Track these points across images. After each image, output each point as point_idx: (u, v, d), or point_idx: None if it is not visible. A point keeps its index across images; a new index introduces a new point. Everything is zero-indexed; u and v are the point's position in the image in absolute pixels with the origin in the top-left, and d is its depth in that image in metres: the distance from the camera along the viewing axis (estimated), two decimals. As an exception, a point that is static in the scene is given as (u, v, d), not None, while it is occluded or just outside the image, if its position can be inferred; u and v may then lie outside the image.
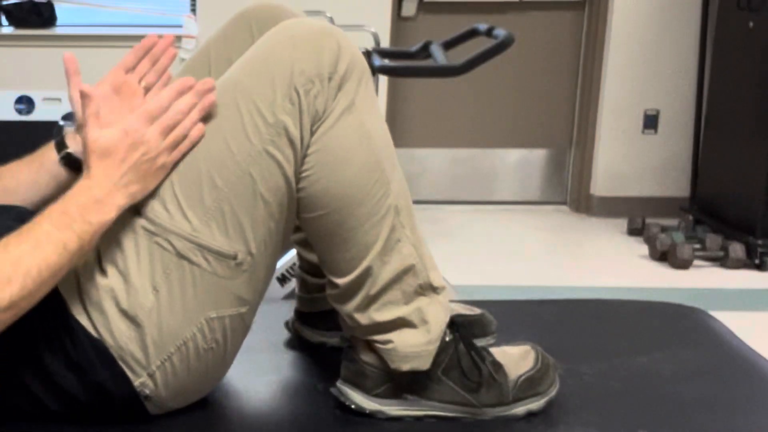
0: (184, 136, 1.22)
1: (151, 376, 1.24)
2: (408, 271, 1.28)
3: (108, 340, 1.23)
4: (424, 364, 1.29)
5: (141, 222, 1.22)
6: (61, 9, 4.45)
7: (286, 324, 1.58)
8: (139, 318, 1.22)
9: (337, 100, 1.23)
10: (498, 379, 1.32)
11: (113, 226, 1.23)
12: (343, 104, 1.24)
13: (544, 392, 1.34)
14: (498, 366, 1.33)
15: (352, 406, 1.32)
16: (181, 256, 1.22)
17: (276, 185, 1.22)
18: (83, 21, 4.54)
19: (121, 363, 1.23)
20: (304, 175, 1.24)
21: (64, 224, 1.15)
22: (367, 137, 1.25)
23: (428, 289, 1.30)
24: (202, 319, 1.24)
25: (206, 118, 1.24)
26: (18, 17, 4.40)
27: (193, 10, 4.35)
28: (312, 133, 1.23)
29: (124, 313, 1.22)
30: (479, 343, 1.38)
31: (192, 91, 1.22)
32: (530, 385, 1.33)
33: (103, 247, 1.24)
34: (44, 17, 4.40)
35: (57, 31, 4.43)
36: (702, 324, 1.69)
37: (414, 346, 1.29)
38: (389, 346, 1.29)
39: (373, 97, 1.29)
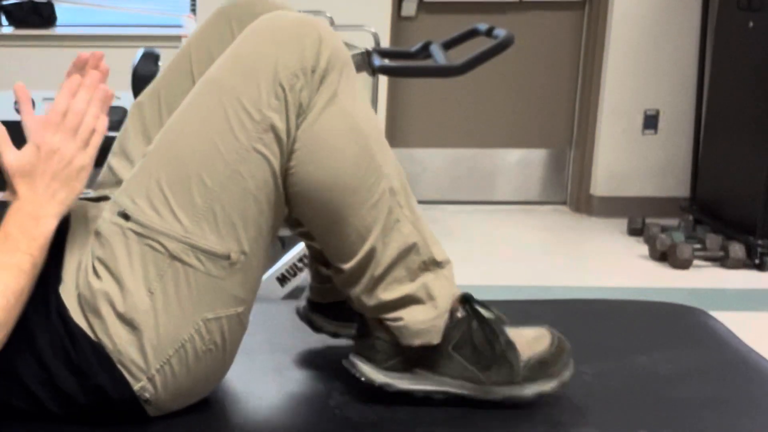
0: (92, 131, 1.24)
1: (150, 380, 1.24)
2: (410, 249, 1.30)
3: (107, 344, 1.22)
4: (435, 339, 1.31)
5: (130, 225, 1.22)
6: (61, 9, 4.45)
7: (297, 311, 1.54)
8: (136, 321, 1.22)
9: (320, 93, 1.24)
10: (509, 358, 1.33)
11: (104, 232, 1.24)
12: (326, 96, 1.24)
13: (556, 375, 1.34)
14: (511, 345, 1.33)
15: (362, 379, 1.33)
16: (174, 257, 1.22)
17: (264, 181, 1.23)
18: (83, 21, 4.54)
19: (120, 367, 1.23)
20: (293, 171, 1.24)
21: (11, 248, 1.18)
22: (353, 125, 1.26)
23: (432, 264, 1.31)
24: (199, 320, 1.24)
25: (192, 119, 1.24)
26: (18, 17, 4.39)
27: (193, 10, 4.35)
28: (297, 127, 1.23)
29: (121, 317, 1.22)
30: None
31: (83, 88, 1.25)
32: (542, 366, 1.34)
33: (96, 252, 1.24)
34: (44, 17, 4.40)
35: (57, 31, 4.43)
36: (702, 324, 1.69)
37: (423, 322, 1.30)
38: (400, 323, 1.31)
39: (355, 85, 1.29)
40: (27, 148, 1.23)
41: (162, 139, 1.26)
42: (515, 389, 1.33)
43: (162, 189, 1.22)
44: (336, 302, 1.48)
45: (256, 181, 1.22)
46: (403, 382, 1.33)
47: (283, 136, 1.22)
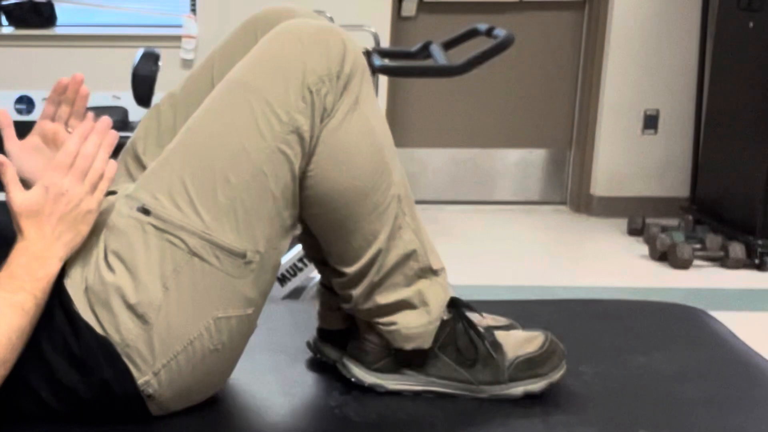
0: (101, 176, 1.26)
1: (156, 374, 1.25)
2: (410, 256, 1.32)
3: (114, 336, 1.23)
4: (426, 344, 1.34)
5: (149, 220, 1.23)
6: (61, 9, 4.44)
7: (308, 344, 1.50)
8: (148, 315, 1.22)
9: (343, 98, 1.26)
10: (495, 358, 1.35)
11: (120, 226, 1.24)
12: (349, 102, 1.27)
13: (545, 375, 1.36)
14: (497, 346, 1.37)
15: (353, 380, 1.37)
16: (193, 253, 1.23)
17: (285, 182, 1.25)
18: (83, 21, 4.54)
19: (126, 360, 1.23)
20: (311, 173, 1.26)
21: (15, 288, 1.18)
22: (371, 132, 1.29)
23: (428, 271, 1.34)
24: (209, 318, 1.25)
25: (218, 117, 1.26)
26: (18, 17, 4.39)
27: (193, 10, 4.35)
28: (320, 130, 1.25)
29: (132, 310, 1.22)
30: None
31: (93, 132, 1.26)
32: (529, 366, 1.36)
33: (110, 245, 1.25)
34: (44, 17, 4.40)
35: (57, 31, 4.43)
36: (702, 324, 1.70)
37: (416, 327, 1.33)
38: (392, 327, 1.34)
39: (372, 91, 1.32)
40: (35, 189, 1.23)
41: (184, 136, 1.28)
42: (502, 388, 1.36)
43: (185, 185, 1.23)
44: (345, 329, 1.46)
45: (277, 180, 1.24)
46: (392, 383, 1.37)
47: (307, 137, 1.24)
